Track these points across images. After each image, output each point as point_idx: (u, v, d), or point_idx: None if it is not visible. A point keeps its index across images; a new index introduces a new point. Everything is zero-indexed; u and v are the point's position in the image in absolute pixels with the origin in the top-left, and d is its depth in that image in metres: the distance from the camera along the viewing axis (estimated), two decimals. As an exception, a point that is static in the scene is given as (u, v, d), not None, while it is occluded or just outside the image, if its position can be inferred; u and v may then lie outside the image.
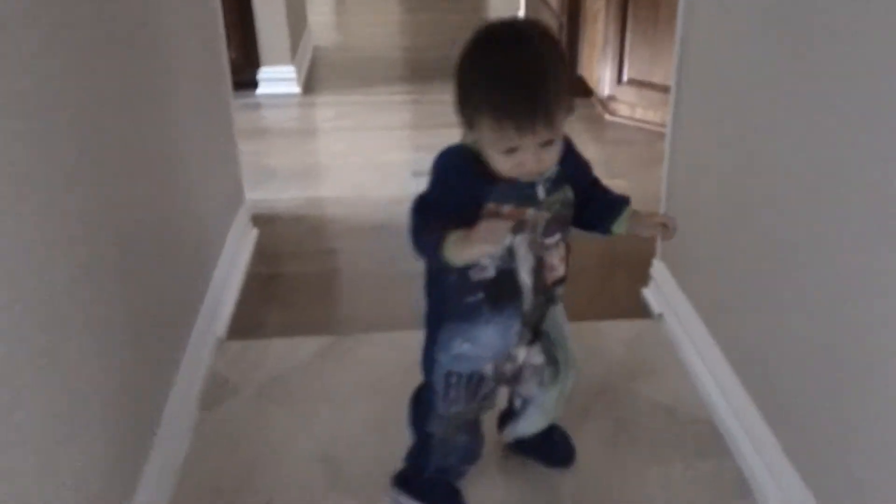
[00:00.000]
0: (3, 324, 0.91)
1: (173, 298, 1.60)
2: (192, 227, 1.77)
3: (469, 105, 1.12)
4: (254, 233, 2.32)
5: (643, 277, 2.02)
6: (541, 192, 1.18)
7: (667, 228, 1.28)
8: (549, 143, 1.11)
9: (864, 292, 1.10)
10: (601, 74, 3.32)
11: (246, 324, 1.93)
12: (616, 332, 1.87)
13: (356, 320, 1.97)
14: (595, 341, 1.84)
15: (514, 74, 1.09)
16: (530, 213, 1.18)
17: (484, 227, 1.10)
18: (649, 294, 1.98)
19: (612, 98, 3.31)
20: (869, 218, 1.09)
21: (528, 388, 1.34)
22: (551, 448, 1.49)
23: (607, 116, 3.33)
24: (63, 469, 1.04)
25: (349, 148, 3.16)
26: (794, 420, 1.32)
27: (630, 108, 3.24)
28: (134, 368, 1.32)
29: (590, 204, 1.28)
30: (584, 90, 3.53)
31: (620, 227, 1.29)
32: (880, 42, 1.05)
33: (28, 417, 0.96)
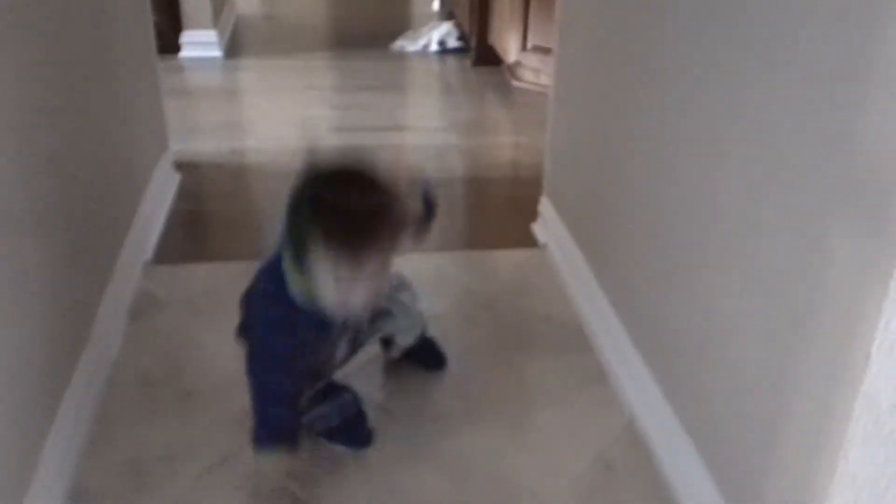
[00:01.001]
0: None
1: (103, 224, 1.77)
2: (120, 166, 1.94)
3: (300, 236, 1.18)
4: (177, 177, 2.50)
5: (533, 214, 2.27)
6: (362, 314, 1.36)
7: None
8: (383, 267, 1.23)
9: (705, 212, 1.36)
10: (508, 43, 3.57)
11: (171, 251, 2.11)
12: (506, 259, 2.12)
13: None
14: (486, 265, 2.09)
15: (349, 218, 1.15)
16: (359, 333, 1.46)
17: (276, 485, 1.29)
18: (537, 228, 2.23)
19: (517, 64, 3.56)
20: (716, 153, 1.34)
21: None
22: (426, 355, 1.68)
23: (514, 82, 3.58)
24: (3, 361, 1.22)
25: (269, 106, 3.34)
26: (644, 321, 1.57)
27: (534, 73, 3.49)
28: (68, 278, 1.49)
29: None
30: (493, 59, 3.77)
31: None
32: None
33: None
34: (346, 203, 1.17)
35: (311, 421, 1.43)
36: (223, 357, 1.66)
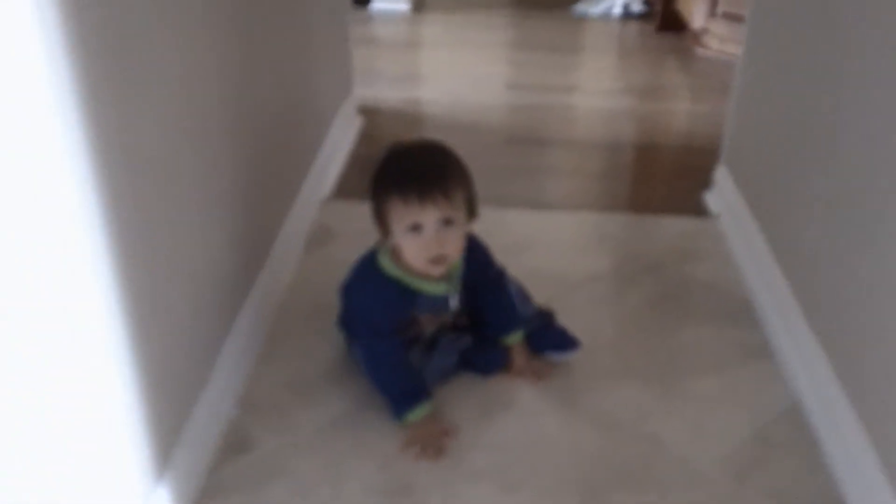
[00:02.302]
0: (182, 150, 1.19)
1: (289, 157, 1.87)
2: (307, 106, 2.03)
3: (380, 200, 1.36)
4: (359, 120, 2.60)
5: (707, 183, 2.19)
6: (453, 303, 1.46)
7: (534, 377, 1.51)
8: (449, 222, 1.33)
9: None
10: (696, 8, 3.43)
11: (348, 189, 2.20)
12: (673, 225, 2.07)
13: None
14: (653, 230, 2.04)
15: (416, 162, 1.37)
16: (446, 318, 1.49)
17: (430, 444, 1.35)
18: (710, 197, 2.15)
19: (703, 31, 3.42)
20: None
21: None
22: (554, 340, 1.58)
23: (698, 49, 3.44)
24: (196, 261, 1.33)
25: (450, 59, 3.39)
26: (822, 300, 1.49)
27: (720, 41, 3.34)
28: (253, 203, 1.59)
29: (491, 309, 1.53)
30: (678, 25, 3.64)
31: (510, 341, 1.52)
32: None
33: (180, 215, 1.24)
34: (406, 156, 1.39)
35: (432, 375, 1.46)
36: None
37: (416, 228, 1.33)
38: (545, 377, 1.51)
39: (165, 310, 1.17)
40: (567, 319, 1.61)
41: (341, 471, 1.33)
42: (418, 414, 1.38)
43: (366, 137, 2.55)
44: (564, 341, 1.56)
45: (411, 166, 1.36)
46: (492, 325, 1.53)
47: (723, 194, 2.08)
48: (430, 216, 1.32)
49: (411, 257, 1.37)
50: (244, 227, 1.53)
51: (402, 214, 1.33)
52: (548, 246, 1.95)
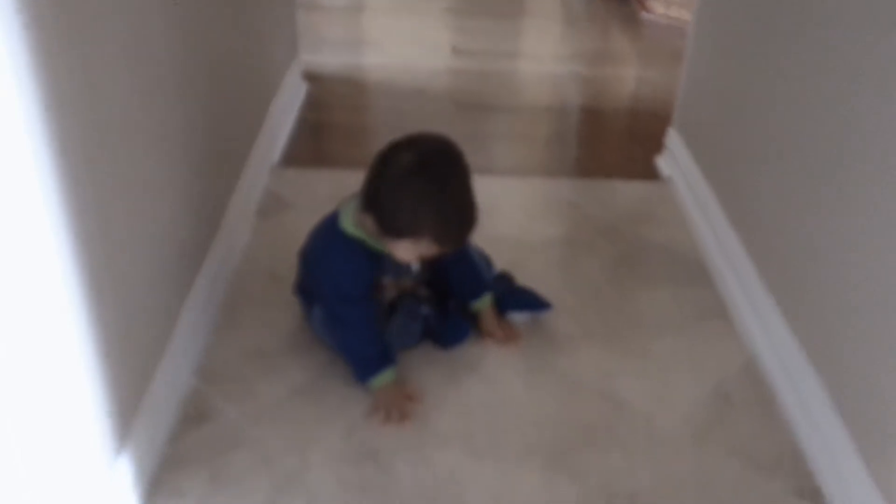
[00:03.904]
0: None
1: (236, 123, 1.82)
2: (253, 71, 1.98)
3: (407, 223, 1.28)
4: (305, 86, 2.54)
5: (657, 147, 2.21)
6: (414, 266, 1.43)
7: (506, 339, 1.51)
8: None
9: (845, 151, 1.29)
10: (641, -27, 3.44)
11: (297, 156, 2.16)
12: (626, 189, 2.08)
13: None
14: (606, 194, 2.05)
15: (455, 208, 1.30)
16: (405, 282, 1.46)
17: (396, 409, 1.33)
18: (662, 161, 2.17)
19: (649, -4, 3.44)
20: (868, 94, 1.27)
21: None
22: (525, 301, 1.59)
23: (644, 15, 3.46)
24: (151, 227, 1.28)
25: (396, 25, 3.34)
26: (775, 257, 1.52)
27: (665, 4, 3.37)
28: (203, 170, 1.54)
29: (457, 277, 1.51)
30: (623, -11, 3.65)
31: (479, 306, 1.52)
32: None
33: (127, 183, 1.19)
34: (442, 189, 1.29)
35: (395, 341, 1.44)
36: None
37: (423, 254, 1.34)
38: (516, 340, 1.51)
39: (120, 278, 1.13)
40: (526, 283, 1.61)
41: (306, 439, 1.31)
42: (383, 379, 1.37)
43: (313, 103, 2.50)
44: (535, 301, 1.56)
45: (451, 212, 1.30)
46: (460, 292, 1.52)
47: (674, 158, 2.10)
48: (415, 245, 1.32)
49: (398, 256, 1.35)
50: (196, 193, 1.48)
51: (422, 248, 1.32)
52: (502, 213, 1.95)
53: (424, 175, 1.29)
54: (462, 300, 1.53)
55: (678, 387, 1.44)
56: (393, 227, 1.30)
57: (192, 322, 1.41)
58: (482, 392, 1.41)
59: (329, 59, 2.87)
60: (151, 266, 1.26)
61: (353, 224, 1.38)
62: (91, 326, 1.02)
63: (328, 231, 1.42)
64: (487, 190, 2.03)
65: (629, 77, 2.97)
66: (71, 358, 0.99)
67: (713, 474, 1.28)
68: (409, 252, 1.33)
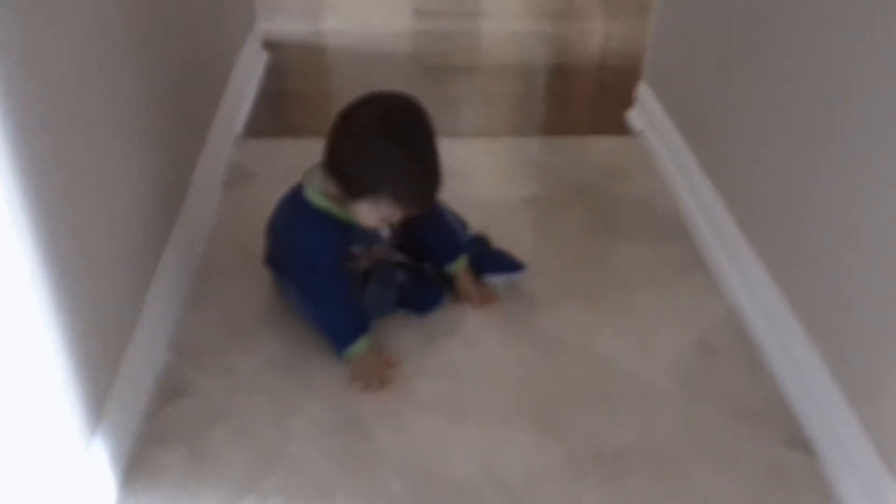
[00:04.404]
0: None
1: (195, 95, 1.75)
2: (210, 40, 1.91)
3: (367, 182, 1.25)
4: (265, 55, 2.47)
5: (628, 101, 2.18)
6: (384, 233, 1.40)
7: (483, 302, 1.48)
8: None
9: (825, 92, 1.27)
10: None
11: (260, 126, 2.10)
12: (598, 146, 2.05)
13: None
14: (578, 151, 2.03)
15: (416, 165, 1.26)
16: (377, 250, 1.42)
17: (375, 377, 1.30)
18: (633, 115, 2.15)
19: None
20: (843, 37, 1.25)
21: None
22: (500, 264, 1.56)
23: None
24: (110, 201, 1.23)
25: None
26: (752, 206, 1.50)
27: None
28: (165, 144, 1.48)
29: (430, 240, 1.48)
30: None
31: (454, 269, 1.48)
32: None
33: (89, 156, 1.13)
34: (402, 143, 1.26)
35: (371, 308, 1.41)
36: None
37: (387, 217, 1.31)
38: (493, 302, 1.48)
39: (82, 255, 1.08)
40: (502, 245, 1.59)
41: (285, 409, 1.27)
42: (359, 347, 1.33)
43: (273, 72, 2.43)
44: (510, 263, 1.53)
45: (411, 168, 1.26)
46: (435, 255, 1.49)
47: (646, 112, 2.08)
48: (382, 207, 1.29)
49: (362, 219, 1.32)
50: (159, 165, 1.43)
51: (384, 209, 1.28)
52: (472, 175, 1.91)
53: (384, 131, 1.26)
54: (437, 264, 1.49)
55: (661, 341, 1.43)
56: (353, 187, 1.27)
57: (162, 297, 1.37)
58: (462, 356, 1.39)
59: (288, 27, 2.79)
60: (115, 240, 1.21)
61: (319, 194, 1.34)
62: (56, 306, 0.97)
63: (294, 203, 1.38)
64: (457, 152, 2.01)
65: (596, 32, 2.93)
66: (38, 339, 0.94)
67: (701, 427, 1.26)
68: (371, 215, 1.30)
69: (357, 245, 1.40)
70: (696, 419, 1.28)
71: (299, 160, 1.92)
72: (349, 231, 1.35)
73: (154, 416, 1.25)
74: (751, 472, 1.20)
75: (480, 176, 1.91)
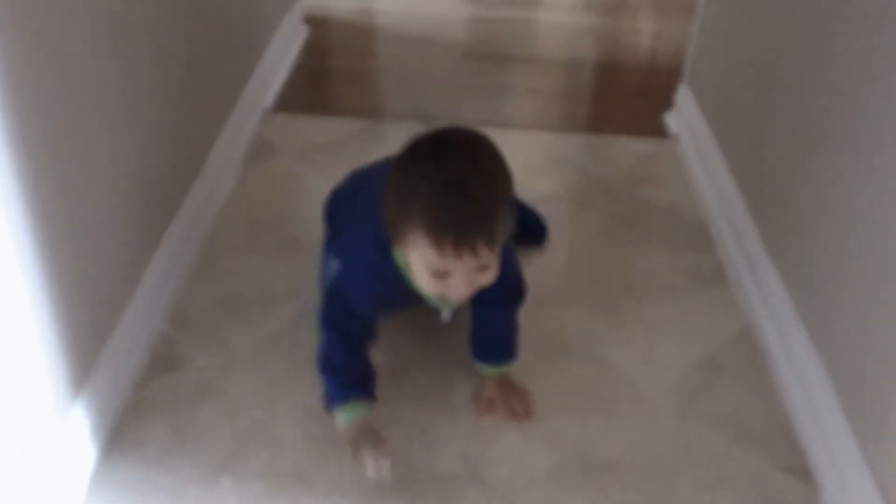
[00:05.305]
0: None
1: (225, 64, 1.74)
2: (246, 11, 1.89)
3: (400, 218, 1.02)
4: (305, 30, 2.45)
5: (668, 103, 2.12)
6: (445, 316, 1.19)
7: (509, 414, 1.23)
8: (484, 269, 1.03)
9: (868, 123, 1.20)
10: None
11: (290, 102, 2.09)
12: (630, 147, 2.00)
13: (390, 112, 2.12)
14: (609, 151, 1.97)
15: (459, 188, 0.98)
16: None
17: (369, 455, 1.08)
18: (670, 118, 2.08)
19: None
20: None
21: None
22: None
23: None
24: (116, 164, 1.22)
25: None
26: (783, 226, 1.43)
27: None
28: (186, 110, 1.48)
29: (480, 330, 1.26)
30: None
31: (484, 371, 1.26)
32: None
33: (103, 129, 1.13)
34: (444, 171, 1.00)
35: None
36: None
37: (441, 276, 1.03)
38: (522, 414, 1.24)
39: (84, 212, 1.08)
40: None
41: (274, 392, 1.26)
42: (353, 410, 1.14)
43: (311, 48, 2.41)
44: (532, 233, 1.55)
45: (452, 195, 0.98)
46: (474, 346, 1.28)
47: (683, 115, 2.01)
48: (463, 267, 1.01)
49: (424, 287, 1.07)
50: (172, 133, 1.42)
51: (427, 257, 1.01)
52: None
53: (431, 160, 1.02)
54: (474, 354, 1.27)
55: (667, 353, 1.38)
56: (389, 221, 1.05)
57: (164, 267, 1.36)
58: (461, 349, 1.35)
59: (335, 3, 2.78)
60: (119, 203, 1.20)
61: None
62: (43, 264, 0.97)
63: (371, 244, 1.13)
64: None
65: (645, 30, 2.85)
66: (20, 297, 0.94)
67: (697, 445, 1.22)
68: (424, 274, 1.04)
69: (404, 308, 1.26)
70: (693, 436, 1.23)
71: (325, 138, 1.93)
72: (411, 296, 1.15)
73: (143, 386, 1.25)
74: (743, 495, 1.15)
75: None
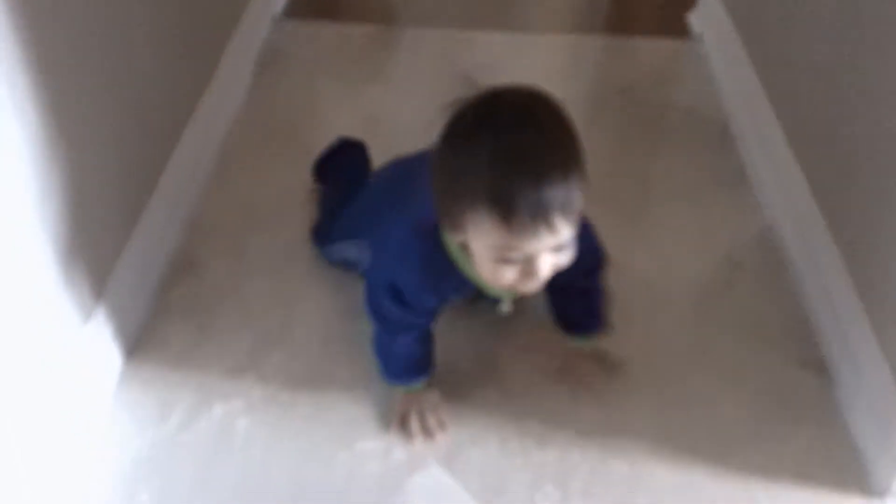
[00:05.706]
0: None
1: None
2: None
3: (457, 197, 0.88)
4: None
5: (691, 2, 2.05)
6: (504, 307, 1.07)
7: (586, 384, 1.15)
8: (560, 248, 0.89)
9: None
10: None
11: (301, 7, 2.04)
12: (652, 47, 1.94)
13: (404, 17, 2.07)
14: (629, 52, 1.92)
15: (520, 153, 0.85)
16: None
17: (416, 429, 1.06)
18: (694, 17, 2.02)
19: None
20: None
21: None
22: None
23: None
24: (129, 83, 1.21)
25: None
26: (807, 124, 1.39)
27: None
28: (194, 14, 1.45)
29: (567, 305, 1.16)
30: None
31: (577, 342, 1.18)
32: None
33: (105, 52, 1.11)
34: (505, 138, 0.86)
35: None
36: (345, 118, 1.63)
37: (507, 262, 0.89)
38: (591, 384, 1.16)
39: (98, 118, 1.07)
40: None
41: (294, 295, 1.27)
42: (412, 387, 1.11)
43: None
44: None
45: (519, 163, 0.85)
46: (561, 318, 1.18)
47: (708, 13, 1.95)
48: (539, 246, 0.87)
49: (488, 278, 0.94)
50: (183, 37, 1.40)
51: (493, 240, 0.87)
52: (519, 69, 1.82)
53: (485, 128, 0.87)
54: (560, 325, 1.18)
55: (687, 254, 1.37)
56: (445, 206, 0.91)
57: (180, 173, 1.36)
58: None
59: None
60: (132, 109, 1.20)
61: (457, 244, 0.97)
62: (59, 171, 0.97)
63: (425, 238, 1.01)
64: (505, 46, 1.94)
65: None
66: (35, 205, 0.94)
67: (712, 344, 1.22)
68: (488, 264, 0.90)
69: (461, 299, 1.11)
70: (709, 334, 1.23)
71: (337, 44, 1.89)
72: (468, 287, 1.03)
73: (164, 291, 1.27)
74: (757, 388, 1.16)
75: (526, 72, 1.83)
